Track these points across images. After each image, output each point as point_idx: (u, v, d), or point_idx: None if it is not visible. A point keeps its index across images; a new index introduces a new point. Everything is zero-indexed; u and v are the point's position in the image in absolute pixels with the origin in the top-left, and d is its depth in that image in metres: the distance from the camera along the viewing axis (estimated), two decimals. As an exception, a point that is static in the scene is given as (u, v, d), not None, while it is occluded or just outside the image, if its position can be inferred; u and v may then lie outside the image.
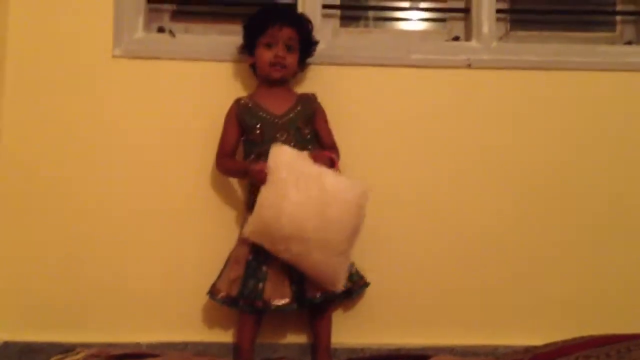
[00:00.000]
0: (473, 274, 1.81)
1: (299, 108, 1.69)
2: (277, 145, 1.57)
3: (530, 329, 1.79)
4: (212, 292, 1.64)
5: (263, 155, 1.58)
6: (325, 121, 1.74)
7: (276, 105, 1.68)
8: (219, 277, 1.65)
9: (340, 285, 1.59)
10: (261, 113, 1.67)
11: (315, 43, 1.76)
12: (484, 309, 1.81)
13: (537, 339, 1.63)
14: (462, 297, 1.81)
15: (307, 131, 1.68)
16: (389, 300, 1.78)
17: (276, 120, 1.66)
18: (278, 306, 1.58)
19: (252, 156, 1.65)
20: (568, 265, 1.83)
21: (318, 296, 1.58)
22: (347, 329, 1.76)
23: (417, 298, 1.80)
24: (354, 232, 1.57)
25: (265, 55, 1.67)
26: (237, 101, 1.71)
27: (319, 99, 1.74)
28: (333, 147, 1.73)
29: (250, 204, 1.62)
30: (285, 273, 1.59)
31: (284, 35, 1.66)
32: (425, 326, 1.80)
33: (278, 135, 1.64)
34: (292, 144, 1.62)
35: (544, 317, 1.81)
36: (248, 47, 1.72)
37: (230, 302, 1.61)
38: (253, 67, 1.74)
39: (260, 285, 1.58)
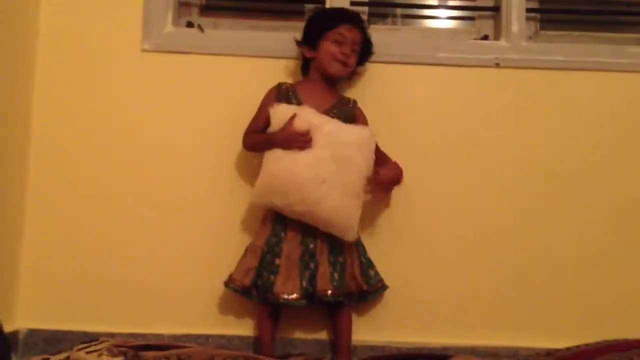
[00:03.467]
0: (495, 275, 1.80)
1: (335, 111, 1.69)
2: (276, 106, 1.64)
3: (553, 331, 1.78)
4: (228, 280, 1.66)
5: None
6: None
7: (314, 102, 1.68)
8: (237, 266, 1.67)
9: (353, 234, 1.62)
10: (295, 103, 1.68)
11: (371, 53, 1.78)
12: (506, 310, 1.80)
13: (559, 342, 1.63)
14: (483, 298, 1.80)
15: None
16: (410, 299, 1.78)
17: None
18: (286, 300, 1.59)
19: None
20: (591, 267, 1.81)
21: (329, 294, 1.58)
22: (368, 327, 1.76)
23: (439, 298, 1.79)
24: (366, 172, 1.61)
25: (332, 49, 1.68)
26: (279, 85, 1.73)
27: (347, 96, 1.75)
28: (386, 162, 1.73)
29: None
30: (298, 269, 1.60)
31: (353, 37, 1.70)
32: (447, 326, 1.79)
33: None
34: None
35: (566, 320, 1.79)
36: (310, 40, 1.73)
37: (244, 291, 1.64)
38: (305, 59, 1.76)
39: (272, 277, 1.60)
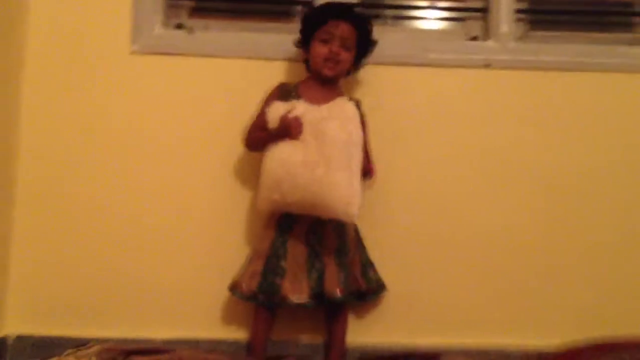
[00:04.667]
0: (485, 276, 1.81)
1: None
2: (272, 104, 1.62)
3: (544, 331, 1.79)
4: (233, 286, 1.65)
5: None
6: (365, 127, 1.71)
7: (317, 101, 1.65)
8: (241, 272, 1.65)
9: (352, 212, 1.55)
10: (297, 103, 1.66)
11: (374, 43, 1.74)
12: (496, 310, 1.81)
13: (550, 342, 1.64)
14: (476, 299, 1.80)
15: None
16: (401, 300, 1.78)
17: None
18: (295, 302, 1.58)
19: None
20: (582, 267, 1.82)
21: (339, 295, 1.58)
22: (359, 328, 1.76)
23: (431, 299, 1.80)
24: (349, 142, 1.56)
25: (320, 50, 1.65)
26: (281, 84, 1.71)
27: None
28: (367, 155, 1.72)
29: None
30: (305, 271, 1.60)
31: (341, 32, 1.64)
32: (439, 327, 1.79)
33: None
34: None
35: (557, 320, 1.80)
36: (304, 41, 1.71)
37: (250, 296, 1.62)
38: (307, 62, 1.73)
39: (279, 280, 1.58)
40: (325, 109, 1.59)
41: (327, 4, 1.72)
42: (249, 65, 1.81)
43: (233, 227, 1.78)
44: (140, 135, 1.81)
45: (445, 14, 2.00)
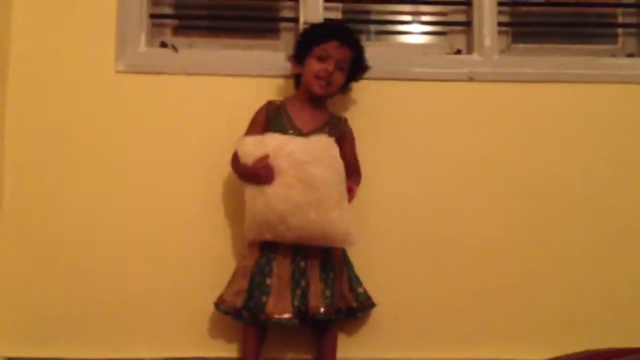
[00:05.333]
0: (476, 289, 1.80)
1: (327, 129, 1.68)
2: (241, 138, 1.62)
3: (536, 343, 1.78)
4: (218, 302, 1.64)
5: None
6: (353, 145, 1.73)
7: (305, 120, 1.67)
8: (227, 287, 1.64)
9: (351, 240, 1.60)
10: (285, 121, 1.67)
11: (367, 69, 1.75)
12: (488, 323, 1.80)
13: (541, 353, 1.65)
14: (466, 312, 1.80)
15: None
16: (391, 315, 1.77)
17: (296, 135, 1.65)
18: (279, 320, 1.57)
19: None
20: (572, 279, 1.82)
21: (322, 313, 1.57)
22: (349, 343, 1.75)
23: (422, 312, 1.79)
24: (336, 179, 1.57)
25: (315, 67, 1.65)
26: (269, 102, 1.71)
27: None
28: (356, 173, 1.73)
29: None
30: (290, 288, 1.59)
31: (338, 53, 1.65)
32: (430, 340, 1.78)
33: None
34: None
35: (547, 332, 1.80)
36: (298, 56, 1.71)
37: (234, 313, 1.61)
38: (297, 77, 1.74)
39: (264, 298, 1.58)
40: (304, 146, 1.58)
41: (329, 23, 1.76)
42: (233, 82, 1.82)
43: (219, 242, 1.77)
44: (126, 153, 1.80)
45: (429, 28, 2.01)
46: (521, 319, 1.80)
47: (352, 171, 1.70)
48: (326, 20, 1.83)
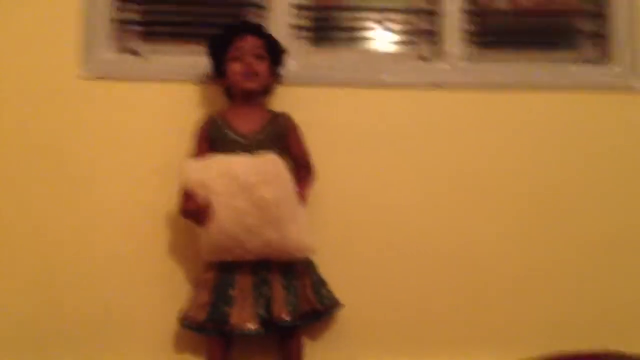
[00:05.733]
0: (448, 293, 1.82)
1: (269, 128, 1.68)
2: (184, 163, 1.61)
3: (511, 347, 1.79)
4: (183, 318, 1.61)
5: None
6: (299, 139, 1.73)
7: (246, 124, 1.66)
8: (189, 302, 1.62)
9: (311, 250, 1.60)
10: (227, 131, 1.66)
11: (284, 49, 1.75)
12: (464, 327, 1.81)
13: (513, 357, 1.68)
14: (441, 316, 1.81)
15: (277, 151, 1.64)
16: (362, 320, 1.77)
17: (241, 140, 1.64)
18: (244, 331, 1.54)
19: None
20: (548, 282, 1.84)
21: (287, 319, 1.56)
22: (318, 350, 1.75)
23: (395, 317, 1.79)
24: (288, 195, 1.56)
25: (236, 68, 1.65)
26: (209, 118, 1.70)
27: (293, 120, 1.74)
28: (305, 167, 1.72)
29: None
30: (252, 297, 1.57)
31: (250, 45, 1.66)
32: (404, 345, 1.79)
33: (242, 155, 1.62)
34: None
35: (526, 334, 1.82)
36: (217, 70, 1.71)
37: (198, 327, 1.58)
38: (227, 90, 1.73)
39: (227, 309, 1.55)
40: (251, 167, 1.56)
41: (226, 25, 1.73)
42: (200, 89, 1.80)
43: (191, 254, 1.73)
44: (91, 162, 1.78)
45: (396, 36, 2.03)
46: (497, 322, 1.82)
47: (301, 165, 1.71)
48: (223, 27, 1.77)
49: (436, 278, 1.82)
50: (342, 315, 1.74)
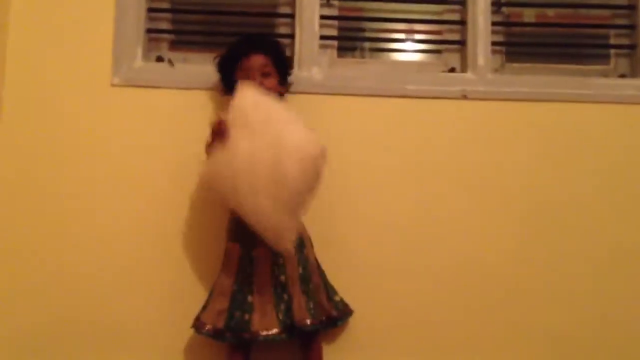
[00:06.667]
0: (458, 304, 1.81)
1: None
2: (242, 85, 1.56)
3: (513, 355, 1.79)
4: (197, 325, 1.60)
5: None
6: None
7: None
8: (204, 309, 1.62)
9: (287, 245, 1.51)
10: None
11: (289, 60, 1.77)
12: (470, 338, 1.80)
13: None
14: (447, 327, 1.80)
15: None
16: (376, 329, 1.78)
17: None
18: (266, 337, 1.56)
19: None
20: (552, 292, 1.82)
21: (309, 324, 1.57)
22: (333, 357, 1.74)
23: (404, 327, 1.79)
24: (307, 190, 1.50)
25: None
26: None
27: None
28: None
29: (232, 233, 1.64)
30: (272, 303, 1.58)
31: (257, 64, 1.65)
32: (411, 353, 1.78)
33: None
34: None
35: (530, 346, 1.80)
36: (228, 87, 1.69)
37: (217, 335, 1.58)
38: None
39: (247, 316, 1.57)
40: (299, 140, 1.49)
41: (233, 43, 1.73)
42: (228, 97, 1.80)
43: (204, 261, 1.75)
44: (122, 168, 1.81)
45: (423, 46, 2.03)
46: (503, 330, 1.81)
47: None
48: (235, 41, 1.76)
49: (450, 288, 1.81)
50: (357, 322, 1.75)
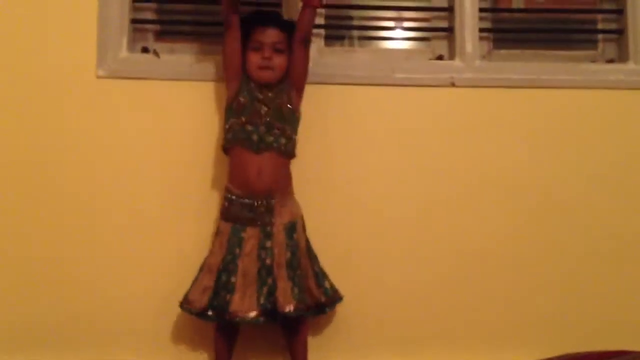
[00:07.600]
0: (452, 291, 1.82)
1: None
2: None
3: (510, 346, 1.79)
4: (183, 302, 1.62)
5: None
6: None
7: None
8: (192, 286, 1.62)
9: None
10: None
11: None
12: (465, 326, 1.81)
13: (517, 357, 1.69)
14: (441, 314, 1.81)
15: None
16: (367, 319, 1.78)
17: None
18: (243, 319, 1.55)
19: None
20: (549, 281, 1.83)
21: (291, 311, 1.56)
22: (323, 348, 1.75)
23: (394, 314, 1.80)
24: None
25: (253, 58, 1.66)
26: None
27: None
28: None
29: (225, 212, 1.64)
30: (254, 285, 1.57)
31: (270, 37, 1.65)
32: (402, 343, 1.79)
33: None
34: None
35: (524, 335, 1.81)
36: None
37: (199, 313, 1.59)
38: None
39: (228, 296, 1.56)
40: None
41: (252, 13, 1.73)
42: (215, 87, 1.81)
43: (197, 245, 1.74)
44: (107, 160, 1.79)
45: (411, 34, 2.02)
46: (498, 322, 1.82)
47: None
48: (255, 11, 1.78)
49: (443, 275, 1.82)
50: (344, 311, 1.75)
